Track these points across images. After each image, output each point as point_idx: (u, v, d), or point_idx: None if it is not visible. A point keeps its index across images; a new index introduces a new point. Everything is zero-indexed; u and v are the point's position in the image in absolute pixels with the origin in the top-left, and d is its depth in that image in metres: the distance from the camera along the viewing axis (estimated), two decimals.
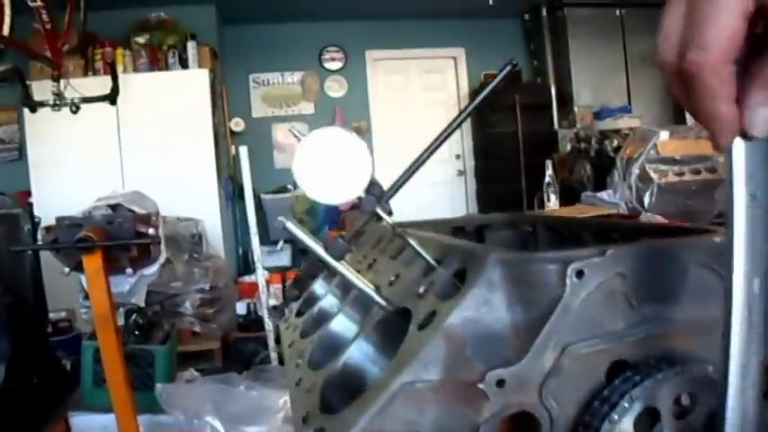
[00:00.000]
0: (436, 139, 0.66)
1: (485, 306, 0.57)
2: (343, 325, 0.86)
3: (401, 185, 0.67)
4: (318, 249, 0.67)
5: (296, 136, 0.67)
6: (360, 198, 0.64)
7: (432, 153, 0.66)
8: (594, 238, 0.96)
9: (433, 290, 0.64)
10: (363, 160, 0.63)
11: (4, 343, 3.21)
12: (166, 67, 5.59)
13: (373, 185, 0.65)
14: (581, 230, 0.99)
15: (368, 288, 0.69)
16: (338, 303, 0.98)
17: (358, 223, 0.68)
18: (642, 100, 7.31)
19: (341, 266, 0.68)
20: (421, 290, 0.66)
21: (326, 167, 0.63)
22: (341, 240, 0.67)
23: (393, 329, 0.67)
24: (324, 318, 0.95)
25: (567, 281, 0.56)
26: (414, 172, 0.67)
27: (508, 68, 0.66)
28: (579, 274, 0.57)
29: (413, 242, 0.67)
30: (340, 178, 0.63)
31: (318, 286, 1.15)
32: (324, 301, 1.06)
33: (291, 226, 0.66)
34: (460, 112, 0.68)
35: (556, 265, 0.57)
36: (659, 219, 3.38)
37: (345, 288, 0.97)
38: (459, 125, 0.66)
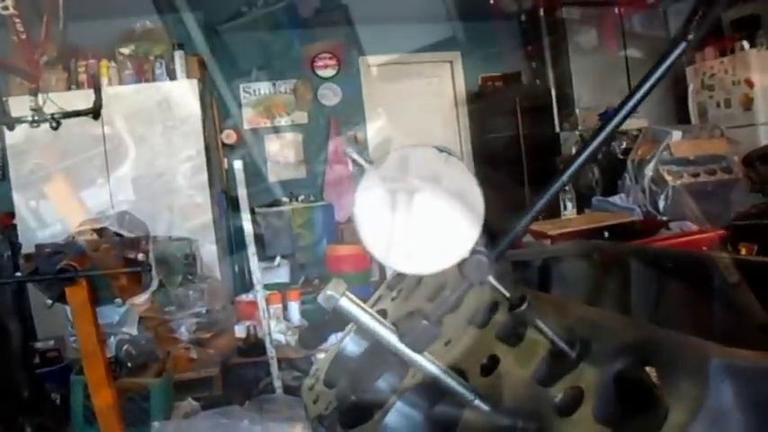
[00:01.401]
0: (563, 173, 0.43)
1: None
2: (403, 419, 0.61)
3: (515, 237, 0.43)
4: (390, 338, 0.43)
5: (356, 162, 0.41)
6: (463, 261, 0.40)
7: (554, 193, 0.43)
8: (731, 283, 0.72)
9: (588, 404, 0.39)
10: (472, 198, 0.38)
11: None
12: (153, 79, 5.35)
13: (480, 238, 0.41)
14: (707, 269, 0.75)
15: (469, 396, 0.44)
16: (390, 378, 0.74)
17: (454, 295, 0.43)
18: (645, 100, 7.11)
19: (423, 360, 0.44)
20: (558, 398, 0.41)
21: (413, 216, 0.38)
22: (425, 323, 0.43)
23: None
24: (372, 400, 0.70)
25: None
26: (534, 219, 0.43)
27: (683, 45, 0.43)
28: None
29: (543, 327, 0.43)
30: (436, 233, 0.38)
31: (351, 343, 0.90)
32: (363, 365, 0.81)
33: (347, 303, 0.42)
34: (595, 135, 0.45)
35: None
36: (690, 225, 3.16)
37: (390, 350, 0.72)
38: (599, 148, 0.43)
